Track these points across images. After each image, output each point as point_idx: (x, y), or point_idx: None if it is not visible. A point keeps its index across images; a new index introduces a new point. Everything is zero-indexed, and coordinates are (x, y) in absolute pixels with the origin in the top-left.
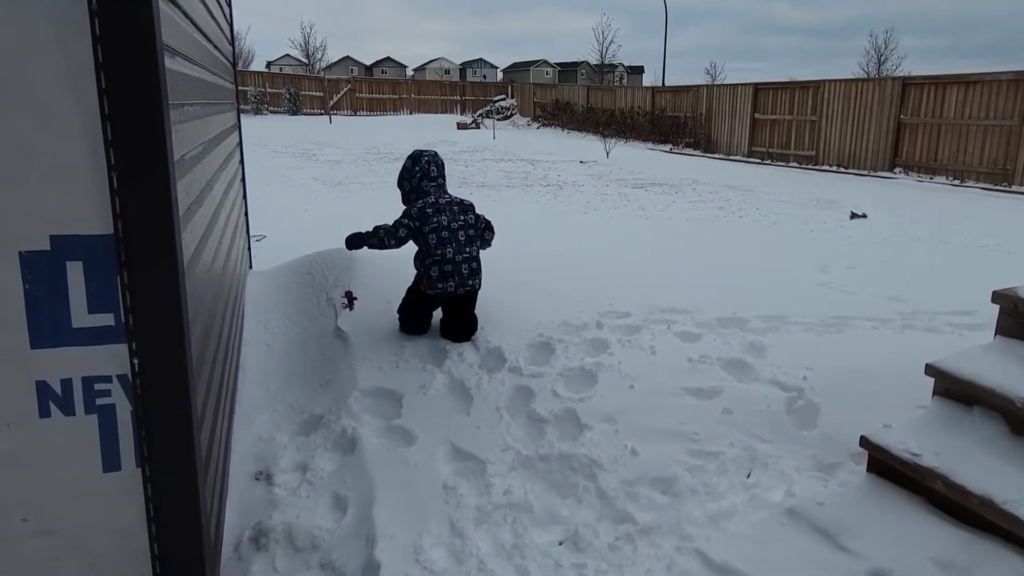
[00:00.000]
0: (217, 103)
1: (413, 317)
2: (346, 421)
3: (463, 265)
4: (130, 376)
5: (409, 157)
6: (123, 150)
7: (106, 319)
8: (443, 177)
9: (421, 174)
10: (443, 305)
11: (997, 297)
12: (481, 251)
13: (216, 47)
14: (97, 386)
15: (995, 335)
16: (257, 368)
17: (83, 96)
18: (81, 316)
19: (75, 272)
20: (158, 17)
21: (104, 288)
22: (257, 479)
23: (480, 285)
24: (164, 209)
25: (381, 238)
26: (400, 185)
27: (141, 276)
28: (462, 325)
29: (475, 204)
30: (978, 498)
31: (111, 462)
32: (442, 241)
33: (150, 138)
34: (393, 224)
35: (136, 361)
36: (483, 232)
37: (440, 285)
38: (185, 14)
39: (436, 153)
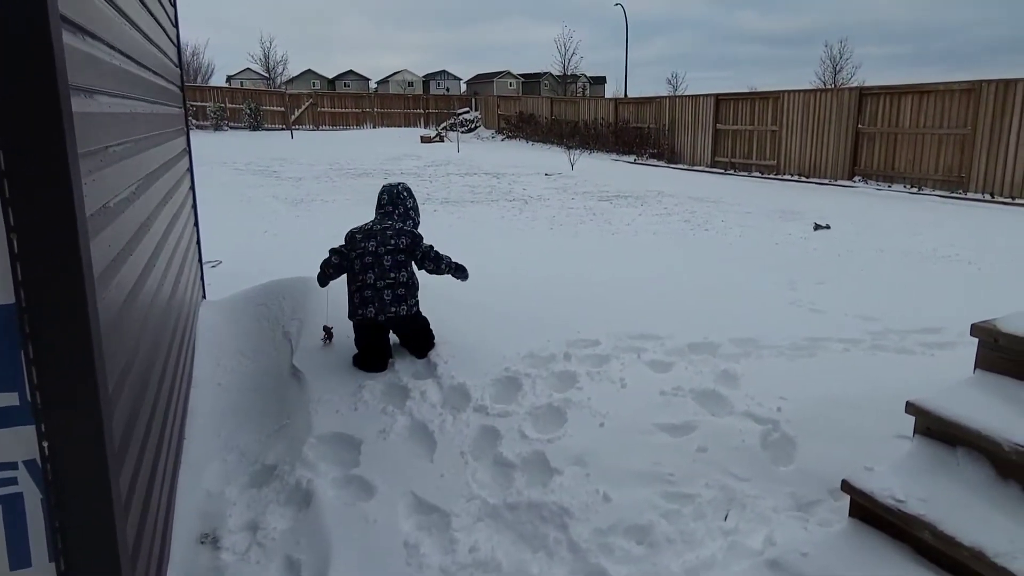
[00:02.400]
0: (158, 133)
1: (360, 350)
2: (301, 472)
3: (385, 291)
4: (39, 461)
5: None
6: (24, 210)
7: (9, 399)
8: (394, 206)
9: (377, 202)
10: (388, 330)
11: (976, 330)
12: (439, 276)
13: (157, 73)
14: (1, 474)
15: (975, 368)
16: (208, 411)
17: None
18: None
19: None
20: (62, 57)
21: (6, 364)
22: (203, 542)
23: (411, 311)
24: (75, 273)
25: (324, 268)
26: None
27: (50, 349)
28: (409, 341)
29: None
30: (968, 550)
31: (19, 558)
32: (365, 267)
33: (55, 194)
34: (329, 251)
35: (46, 444)
36: (423, 263)
37: (360, 312)
38: (111, 46)
39: (396, 185)
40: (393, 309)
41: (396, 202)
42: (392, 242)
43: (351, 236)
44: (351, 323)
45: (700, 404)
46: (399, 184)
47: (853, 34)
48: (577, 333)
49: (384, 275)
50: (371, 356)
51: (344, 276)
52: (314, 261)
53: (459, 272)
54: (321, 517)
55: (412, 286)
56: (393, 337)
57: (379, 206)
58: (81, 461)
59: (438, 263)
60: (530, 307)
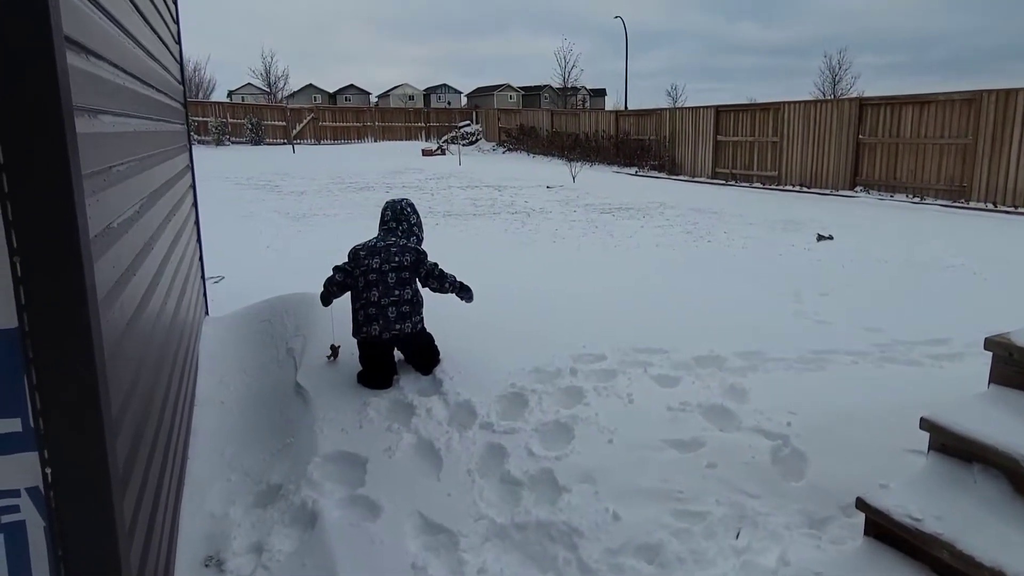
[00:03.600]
0: (162, 151)
1: (364, 367)
2: (306, 492)
3: (389, 308)
4: (42, 488)
5: None
6: (27, 233)
7: (11, 425)
8: (397, 222)
9: (380, 218)
10: (394, 348)
11: (990, 344)
12: (443, 295)
13: (161, 91)
14: (3, 501)
15: (989, 383)
16: (211, 431)
17: None
18: None
19: None
20: (66, 78)
21: (8, 389)
22: (207, 566)
23: (416, 328)
24: (78, 296)
25: (328, 287)
26: None
27: (53, 374)
28: (415, 357)
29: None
30: (989, 570)
31: None
32: (369, 284)
33: (58, 216)
34: (333, 269)
35: (49, 471)
36: (427, 280)
37: (365, 329)
38: (115, 65)
39: (400, 201)
40: (398, 326)
41: (400, 218)
42: (396, 259)
43: (354, 253)
44: (355, 340)
45: (708, 419)
46: (403, 200)
47: (851, 44)
48: (583, 347)
49: (388, 292)
50: (376, 373)
51: (348, 293)
52: (317, 276)
53: (463, 292)
54: (327, 538)
55: (417, 303)
56: (398, 354)
57: (382, 222)
58: (84, 488)
59: (442, 281)
60: (535, 321)
